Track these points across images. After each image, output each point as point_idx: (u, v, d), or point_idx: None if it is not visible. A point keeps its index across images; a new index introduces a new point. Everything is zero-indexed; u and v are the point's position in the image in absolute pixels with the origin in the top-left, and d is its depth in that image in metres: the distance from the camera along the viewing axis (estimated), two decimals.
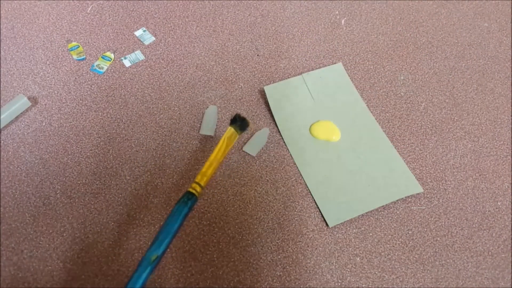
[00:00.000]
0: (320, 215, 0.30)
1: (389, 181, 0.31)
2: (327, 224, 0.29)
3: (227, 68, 0.37)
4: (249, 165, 0.32)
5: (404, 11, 0.42)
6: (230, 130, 0.30)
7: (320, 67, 0.37)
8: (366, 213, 0.30)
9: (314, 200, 0.30)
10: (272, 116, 0.34)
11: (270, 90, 0.35)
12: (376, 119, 0.34)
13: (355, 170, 0.31)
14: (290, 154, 0.32)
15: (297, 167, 0.32)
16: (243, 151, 0.32)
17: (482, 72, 0.38)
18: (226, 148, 0.29)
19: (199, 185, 0.27)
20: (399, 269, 0.28)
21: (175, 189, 0.30)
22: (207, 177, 0.28)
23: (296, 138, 0.33)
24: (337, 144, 0.33)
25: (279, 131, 0.33)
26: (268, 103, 0.34)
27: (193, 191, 0.26)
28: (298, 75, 0.36)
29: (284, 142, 0.33)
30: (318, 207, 0.30)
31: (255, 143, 0.33)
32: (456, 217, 0.30)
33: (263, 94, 0.35)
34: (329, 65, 0.37)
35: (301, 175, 0.31)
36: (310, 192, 0.31)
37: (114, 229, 0.29)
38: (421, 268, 0.28)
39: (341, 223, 0.29)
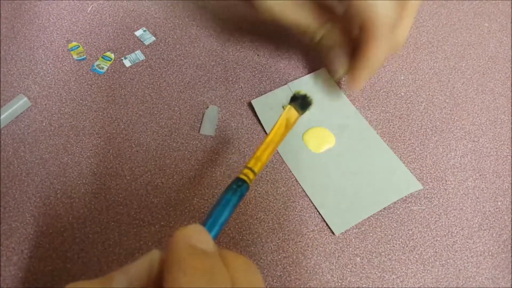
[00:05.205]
0: (320, 216, 0.30)
1: (388, 182, 0.31)
2: (333, 233, 0.29)
3: (227, 68, 0.37)
4: None
5: None
6: (290, 109, 0.27)
7: (321, 67, 0.37)
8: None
9: (316, 209, 0.30)
10: None
11: (257, 103, 0.34)
12: (376, 119, 0.34)
13: (353, 174, 0.31)
14: (283, 159, 0.32)
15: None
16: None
17: (483, 72, 0.38)
18: (285, 130, 0.26)
19: (252, 171, 0.23)
20: (399, 269, 0.28)
21: (175, 189, 0.30)
22: (262, 162, 0.23)
23: (290, 148, 0.32)
24: (332, 149, 0.32)
25: None
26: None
27: (244, 178, 0.22)
28: (300, 74, 0.36)
29: (278, 152, 0.32)
30: (321, 216, 0.30)
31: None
32: (456, 217, 0.30)
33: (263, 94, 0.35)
34: None
35: (299, 184, 0.31)
36: (311, 201, 0.30)
37: (115, 229, 0.29)
38: (422, 268, 0.28)
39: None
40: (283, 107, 0.33)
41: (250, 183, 0.23)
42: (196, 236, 0.17)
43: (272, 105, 0.34)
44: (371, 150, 0.32)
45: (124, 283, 0.16)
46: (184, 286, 0.15)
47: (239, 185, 0.22)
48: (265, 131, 0.33)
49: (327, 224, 0.29)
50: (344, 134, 0.33)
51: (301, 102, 0.29)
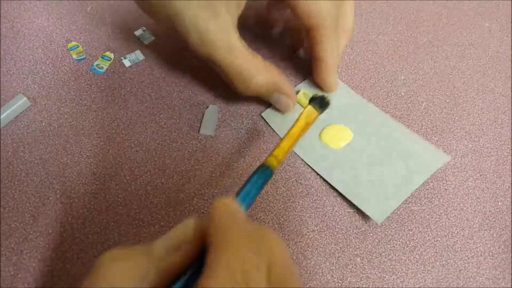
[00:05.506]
0: (321, 215, 0.30)
1: (415, 161, 0.31)
2: (374, 221, 0.29)
3: None
4: (248, 168, 0.32)
5: (404, 10, 0.42)
6: (309, 108, 0.29)
7: None
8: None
9: (351, 202, 0.30)
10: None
11: (268, 115, 0.34)
12: None
13: (380, 161, 0.31)
14: (307, 164, 0.32)
15: (307, 168, 0.31)
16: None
17: (483, 72, 0.38)
18: (306, 127, 0.27)
19: (277, 158, 0.25)
20: (400, 269, 0.28)
21: (175, 189, 0.30)
22: (285, 152, 0.25)
23: (310, 150, 0.32)
24: (352, 143, 0.32)
25: None
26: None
27: (268, 164, 0.24)
28: (301, 75, 0.36)
29: (298, 155, 0.32)
30: (358, 208, 0.29)
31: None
32: (457, 217, 0.30)
33: None
34: None
35: (325, 180, 0.31)
36: (344, 196, 0.30)
37: (114, 230, 0.29)
38: (422, 268, 0.28)
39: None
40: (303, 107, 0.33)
41: (274, 169, 0.24)
42: (236, 206, 0.18)
43: (283, 115, 0.34)
44: (391, 134, 0.32)
45: (162, 252, 0.17)
46: (232, 253, 0.15)
47: (263, 170, 0.23)
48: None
49: (359, 216, 0.29)
50: (360, 126, 0.33)
51: (319, 101, 0.30)
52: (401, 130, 0.33)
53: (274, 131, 0.33)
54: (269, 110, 0.34)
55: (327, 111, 0.32)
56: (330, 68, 0.32)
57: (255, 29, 0.39)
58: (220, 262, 0.15)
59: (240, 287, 0.14)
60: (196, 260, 0.17)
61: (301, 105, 0.34)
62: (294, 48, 0.38)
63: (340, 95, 0.35)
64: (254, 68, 0.29)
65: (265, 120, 0.34)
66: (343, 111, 0.34)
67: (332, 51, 0.31)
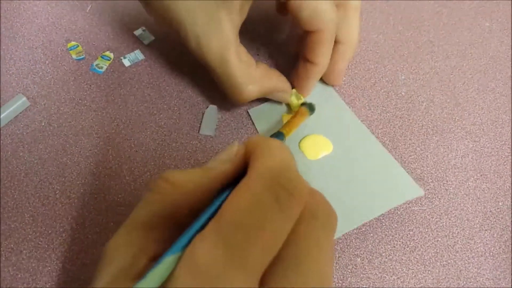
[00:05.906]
0: None
1: (387, 188, 0.30)
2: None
3: None
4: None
5: (405, 10, 0.42)
6: (303, 108, 0.32)
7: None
8: None
9: None
10: None
11: (255, 113, 0.34)
12: (376, 118, 0.34)
13: (351, 180, 0.30)
14: None
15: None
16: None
17: (483, 71, 0.38)
18: (298, 123, 0.31)
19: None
20: (400, 269, 0.28)
21: None
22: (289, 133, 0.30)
23: None
24: (329, 156, 0.32)
25: None
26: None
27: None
28: None
29: None
30: None
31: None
32: (457, 218, 0.30)
33: None
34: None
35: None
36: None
37: (114, 230, 0.28)
38: (422, 268, 0.28)
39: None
40: (283, 115, 0.34)
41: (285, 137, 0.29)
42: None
43: (269, 114, 0.34)
44: (370, 155, 0.32)
45: (212, 164, 0.19)
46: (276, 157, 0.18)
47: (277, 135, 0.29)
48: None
49: None
50: (342, 141, 0.32)
51: (309, 106, 0.32)
52: (383, 155, 0.32)
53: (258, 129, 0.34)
54: (257, 108, 0.34)
55: (312, 119, 0.33)
56: (318, 72, 0.32)
57: (261, 31, 0.39)
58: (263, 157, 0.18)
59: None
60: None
61: (291, 105, 0.34)
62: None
63: (329, 105, 0.34)
64: (247, 79, 0.29)
65: (250, 116, 0.34)
66: (328, 122, 0.33)
67: (327, 56, 0.31)
